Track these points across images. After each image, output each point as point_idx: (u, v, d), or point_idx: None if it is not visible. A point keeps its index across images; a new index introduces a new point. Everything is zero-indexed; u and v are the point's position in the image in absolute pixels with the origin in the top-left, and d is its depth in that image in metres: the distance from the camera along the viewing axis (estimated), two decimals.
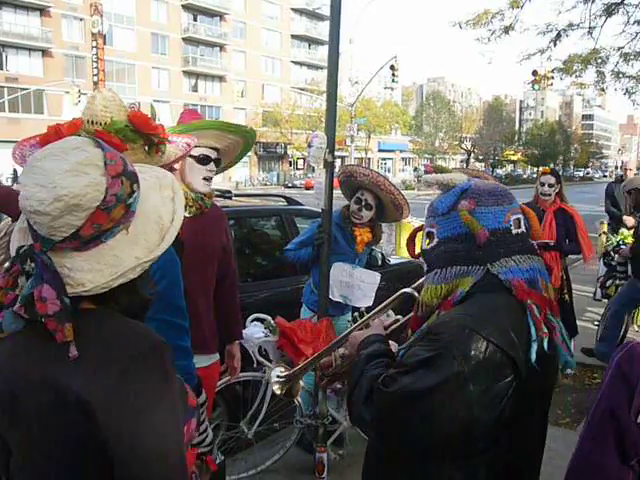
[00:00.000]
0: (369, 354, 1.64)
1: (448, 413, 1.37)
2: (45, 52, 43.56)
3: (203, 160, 2.72)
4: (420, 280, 1.86)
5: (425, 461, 1.50)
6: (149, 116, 1.86)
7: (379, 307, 2.07)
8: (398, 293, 2.05)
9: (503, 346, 1.38)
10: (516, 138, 77.41)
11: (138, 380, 1.15)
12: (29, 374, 1.17)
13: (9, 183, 36.93)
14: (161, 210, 1.29)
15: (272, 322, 3.78)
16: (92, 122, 1.91)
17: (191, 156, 2.64)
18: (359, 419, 1.53)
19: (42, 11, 43.24)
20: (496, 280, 1.50)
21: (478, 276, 1.52)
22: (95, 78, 38.69)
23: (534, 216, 1.64)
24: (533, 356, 1.40)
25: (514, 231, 1.56)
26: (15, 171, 32.44)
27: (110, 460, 1.14)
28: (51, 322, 1.11)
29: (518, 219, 1.58)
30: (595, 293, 7.03)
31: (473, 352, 1.37)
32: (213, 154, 2.77)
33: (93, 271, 1.18)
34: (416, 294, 1.85)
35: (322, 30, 59.75)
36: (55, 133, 1.88)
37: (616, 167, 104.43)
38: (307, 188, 40.63)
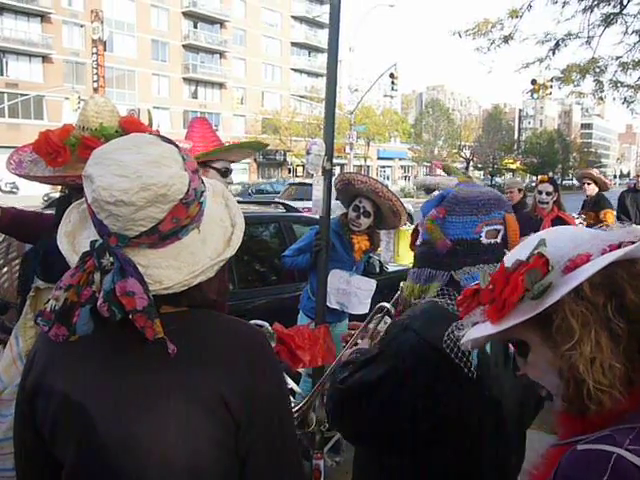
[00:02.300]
0: (342, 365, 1.72)
1: (392, 406, 1.42)
2: (45, 58, 43.64)
3: (225, 173, 2.88)
4: (396, 295, 1.95)
5: (384, 454, 1.57)
6: (146, 122, 1.87)
7: (362, 326, 2.14)
8: (376, 307, 2.13)
9: (438, 345, 1.39)
10: (515, 147, 77.57)
11: (267, 371, 1.19)
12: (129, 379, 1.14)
13: (8, 189, 36.91)
14: (221, 213, 1.29)
15: (269, 328, 3.77)
16: (83, 128, 1.92)
17: (214, 168, 2.81)
18: (330, 422, 1.66)
19: (43, 17, 43.37)
20: (458, 286, 1.54)
21: (444, 282, 1.56)
22: (95, 84, 38.87)
23: (514, 229, 1.61)
24: (474, 360, 1.43)
25: (485, 241, 1.56)
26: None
27: (241, 459, 1.17)
28: (140, 318, 1.05)
29: (495, 230, 1.58)
30: None
31: (410, 349, 1.43)
32: (230, 166, 2.95)
33: (171, 268, 1.13)
34: (392, 309, 1.93)
35: (322, 38, 59.92)
36: (45, 140, 1.89)
37: (615, 176, 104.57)
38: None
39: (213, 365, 1.15)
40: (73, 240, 1.20)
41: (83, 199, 1.23)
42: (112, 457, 1.13)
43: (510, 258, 1.10)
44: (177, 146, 1.17)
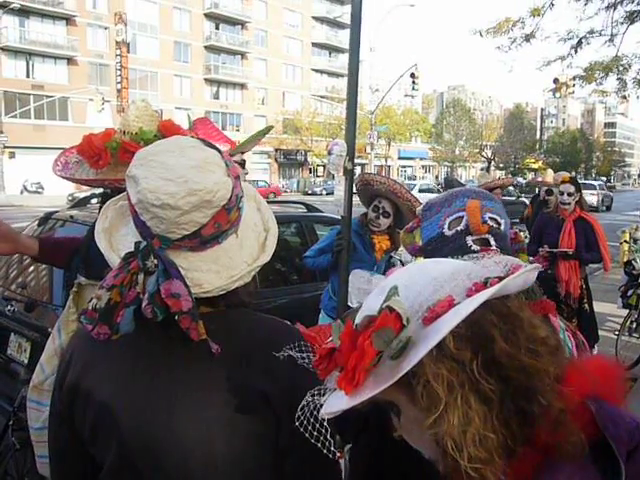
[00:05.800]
0: None
1: None
2: (70, 60, 44.14)
3: (243, 165, 3.03)
4: None
5: None
6: (185, 126, 1.93)
7: None
8: None
9: None
10: (537, 146, 76.81)
11: (307, 365, 1.15)
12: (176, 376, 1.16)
13: (33, 189, 37.48)
14: (254, 217, 1.29)
15: None
16: (124, 132, 1.98)
17: (235, 162, 2.87)
18: None
19: (68, 20, 43.87)
20: None
21: None
22: (118, 86, 39.30)
23: (473, 210, 1.49)
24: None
25: (448, 233, 1.50)
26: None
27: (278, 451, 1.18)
28: (186, 319, 1.06)
29: (458, 218, 1.50)
30: None
31: None
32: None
33: (211, 272, 1.15)
34: None
35: (343, 38, 59.87)
36: (88, 143, 1.96)
37: (639, 175, 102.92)
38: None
39: (254, 363, 1.16)
40: (110, 237, 1.21)
41: (120, 196, 1.26)
42: (155, 457, 1.14)
43: (363, 309, 0.91)
44: (220, 151, 1.18)
